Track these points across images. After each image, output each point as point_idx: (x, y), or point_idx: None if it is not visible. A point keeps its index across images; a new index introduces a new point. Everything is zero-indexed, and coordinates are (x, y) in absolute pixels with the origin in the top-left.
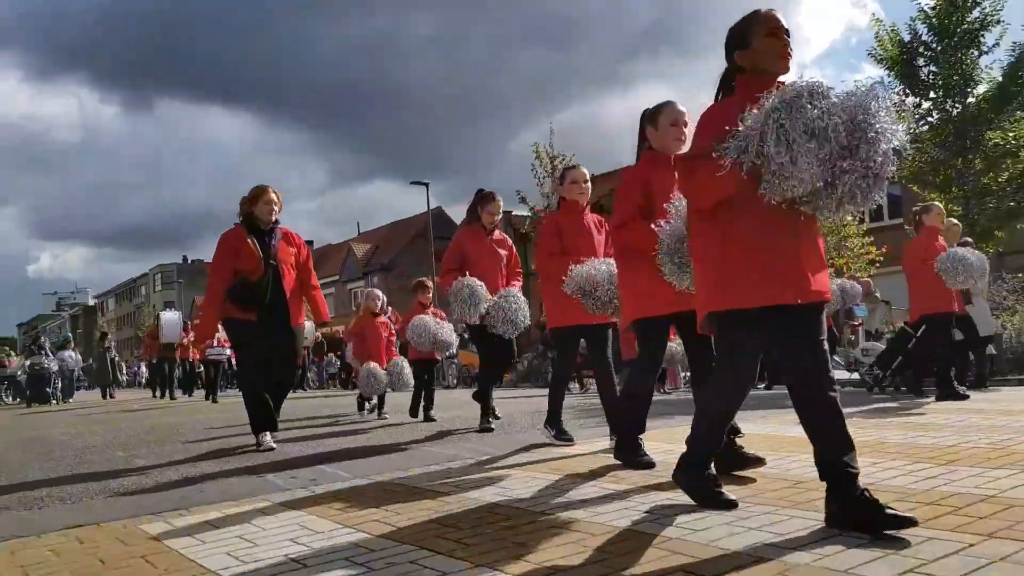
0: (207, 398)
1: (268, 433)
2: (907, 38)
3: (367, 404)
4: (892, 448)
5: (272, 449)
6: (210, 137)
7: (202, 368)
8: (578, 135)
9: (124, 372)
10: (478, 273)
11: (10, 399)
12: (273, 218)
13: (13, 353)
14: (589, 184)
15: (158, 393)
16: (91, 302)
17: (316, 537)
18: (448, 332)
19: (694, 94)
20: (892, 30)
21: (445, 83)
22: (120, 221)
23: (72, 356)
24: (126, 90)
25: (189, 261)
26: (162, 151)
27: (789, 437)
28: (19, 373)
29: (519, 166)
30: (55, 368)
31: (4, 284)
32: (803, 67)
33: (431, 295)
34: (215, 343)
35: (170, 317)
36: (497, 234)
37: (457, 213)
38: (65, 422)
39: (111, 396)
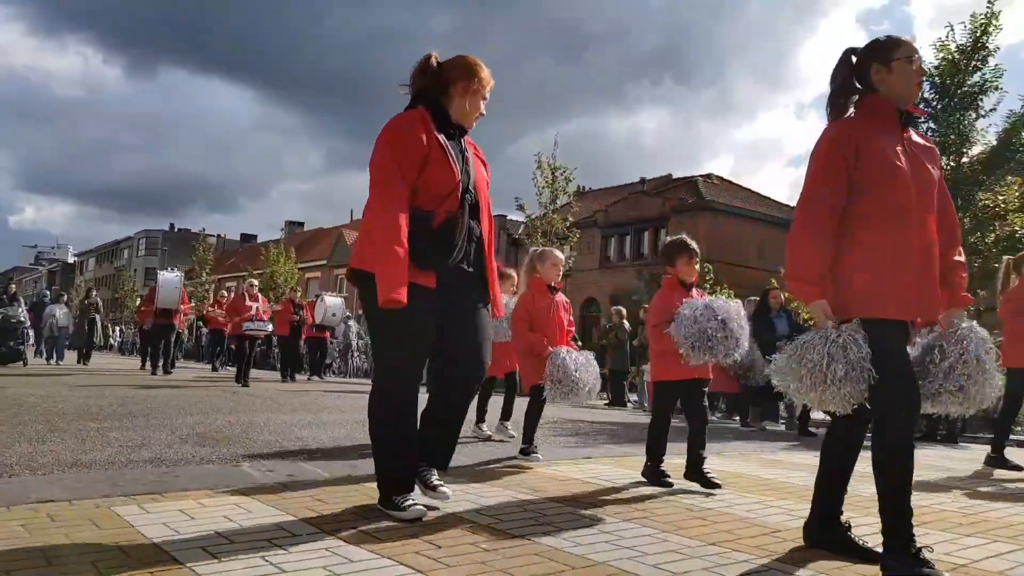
0: (238, 381)
1: (412, 496)
2: None
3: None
4: (869, 503)
5: (420, 518)
6: (210, 108)
7: (216, 342)
8: (579, 148)
9: (115, 336)
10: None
11: None
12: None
13: None
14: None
15: (149, 365)
16: (71, 260)
17: (293, 539)
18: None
19: (693, 122)
20: None
21: None
22: (110, 181)
23: (63, 312)
24: (131, 53)
25: (176, 229)
26: (160, 117)
27: (763, 478)
28: None
29: (517, 173)
30: (28, 322)
31: None
32: (801, 107)
33: (696, 263)
34: (253, 314)
35: (169, 278)
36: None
37: None
38: (34, 384)
39: (85, 360)
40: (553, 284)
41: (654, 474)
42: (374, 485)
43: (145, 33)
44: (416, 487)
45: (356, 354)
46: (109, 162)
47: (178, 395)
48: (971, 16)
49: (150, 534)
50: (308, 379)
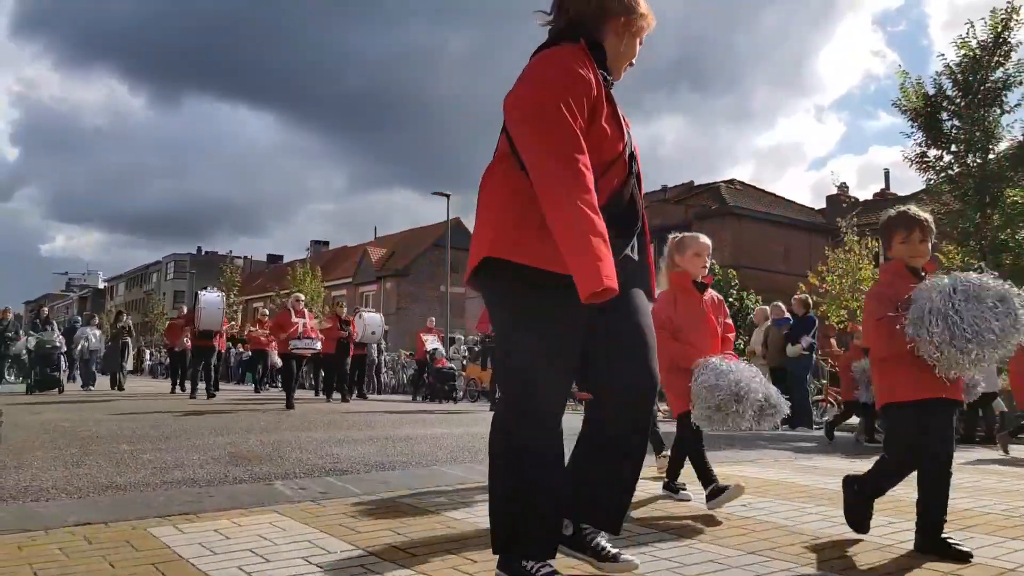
0: (288, 406)
1: (551, 564)
2: (931, 91)
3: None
4: (908, 507)
5: None
6: (234, 133)
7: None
8: None
9: (147, 359)
10: None
11: (12, 377)
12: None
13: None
14: None
15: (179, 387)
16: (101, 285)
17: (328, 557)
18: None
19: (712, 130)
20: (917, 83)
21: (472, 98)
22: (138, 208)
23: (96, 335)
24: (156, 82)
25: (203, 252)
26: (186, 143)
27: (799, 484)
28: (23, 352)
29: None
30: (64, 348)
31: (15, 261)
32: (821, 110)
33: (924, 242)
34: (300, 329)
35: (211, 300)
36: None
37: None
38: (68, 409)
39: (120, 387)
40: (700, 279)
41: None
42: (407, 501)
43: (169, 62)
44: (577, 554)
45: (384, 370)
46: (137, 189)
47: (210, 416)
48: (991, 12)
49: (186, 554)
50: (353, 398)
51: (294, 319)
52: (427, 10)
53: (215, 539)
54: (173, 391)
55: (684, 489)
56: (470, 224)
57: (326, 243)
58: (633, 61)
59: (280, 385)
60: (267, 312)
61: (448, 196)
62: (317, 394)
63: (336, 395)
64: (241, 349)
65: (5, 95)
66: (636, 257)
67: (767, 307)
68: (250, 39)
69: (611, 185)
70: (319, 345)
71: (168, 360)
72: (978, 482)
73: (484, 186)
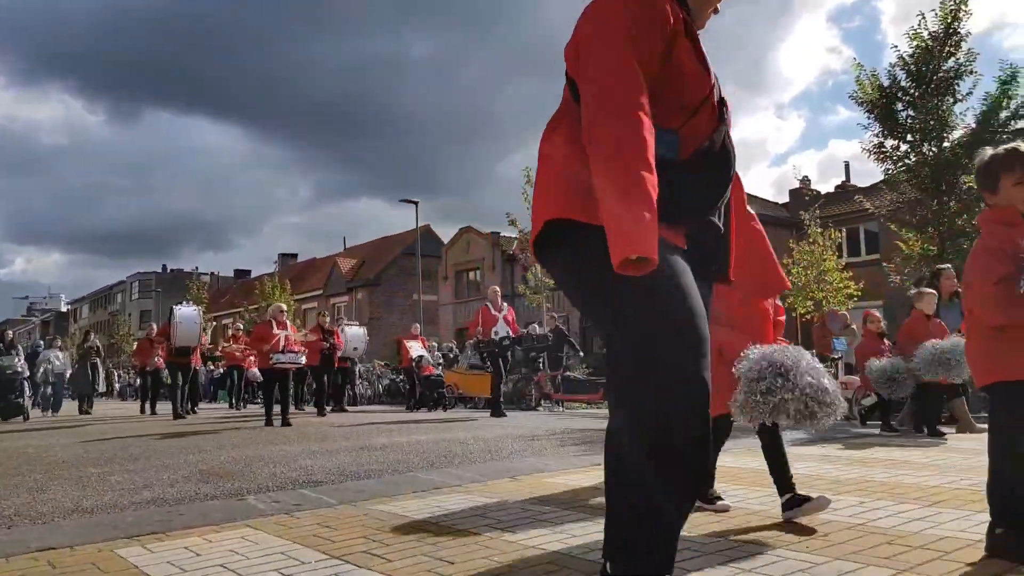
0: (270, 424)
1: None
2: (886, 83)
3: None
4: (877, 487)
5: None
6: (197, 148)
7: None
8: None
9: (117, 380)
10: None
11: None
12: None
13: None
14: None
15: (149, 409)
16: (64, 308)
17: (302, 567)
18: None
19: None
20: (873, 75)
21: (438, 105)
22: (100, 227)
23: (59, 358)
24: (112, 97)
25: (168, 270)
26: (147, 160)
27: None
28: None
29: (508, 189)
30: (27, 373)
31: None
32: (781, 107)
33: None
34: (282, 343)
35: (188, 314)
36: None
37: (444, 232)
38: (33, 435)
39: (87, 411)
40: None
41: None
42: (382, 507)
43: (125, 77)
44: None
45: (359, 381)
46: (98, 208)
47: (180, 436)
48: (941, 3)
49: (154, 573)
50: (333, 410)
51: (275, 331)
52: (391, 18)
53: (185, 556)
54: (143, 412)
55: (718, 497)
56: (439, 231)
57: (295, 255)
58: (719, 7)
59: (261, 400)
60: (240, 326)
61: (416, 203)
62: (295, 407)
63: (328, 406)
64: (212, 367)
65: None
66: (722, 227)
67: None
68: (211, 50)
69: (697, 132)
70: (303, 359)
71: (138, 381)
72: (944, 459)
73: (544, 143)
